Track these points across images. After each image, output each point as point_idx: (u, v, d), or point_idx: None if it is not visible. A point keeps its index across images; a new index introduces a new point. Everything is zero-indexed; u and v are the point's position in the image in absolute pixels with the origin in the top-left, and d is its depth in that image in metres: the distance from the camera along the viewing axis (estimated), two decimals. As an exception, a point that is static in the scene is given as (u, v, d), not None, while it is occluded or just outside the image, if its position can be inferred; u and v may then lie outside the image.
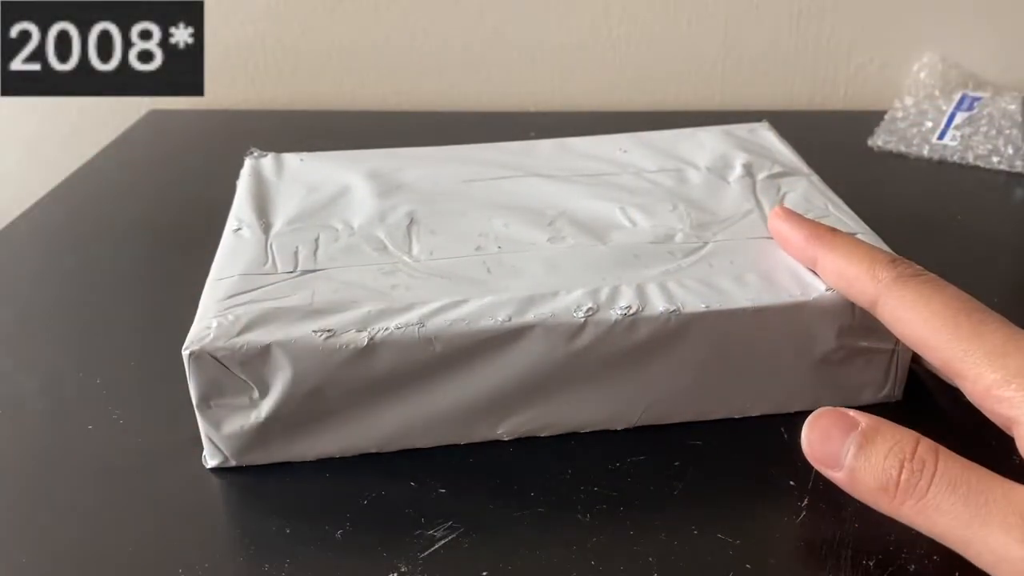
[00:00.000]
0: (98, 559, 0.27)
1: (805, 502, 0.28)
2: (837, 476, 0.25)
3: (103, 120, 0.64)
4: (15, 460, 0.31)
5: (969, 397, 0.25)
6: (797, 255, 0.31)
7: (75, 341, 0.38)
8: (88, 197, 0.52)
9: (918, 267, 0.28)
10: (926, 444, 0.24)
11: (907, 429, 0.25)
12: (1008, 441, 0.24)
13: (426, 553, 0.26)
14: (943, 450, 0.24)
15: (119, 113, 0.64)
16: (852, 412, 0.26)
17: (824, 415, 0.26)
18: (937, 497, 0.23)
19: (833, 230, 0.31)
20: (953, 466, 0.23)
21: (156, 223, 0.48)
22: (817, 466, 0.26)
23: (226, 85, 0.65)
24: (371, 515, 0.28)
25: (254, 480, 0.29)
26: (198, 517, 0.29)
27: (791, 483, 0.28)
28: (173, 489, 0.29)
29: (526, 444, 0.31)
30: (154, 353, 0.36)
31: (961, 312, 0.25)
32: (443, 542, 0.27)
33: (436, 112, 0.64)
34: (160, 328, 0.36)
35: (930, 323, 0.26)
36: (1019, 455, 0.24)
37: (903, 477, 0.23)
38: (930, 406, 0.32)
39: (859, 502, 0.27)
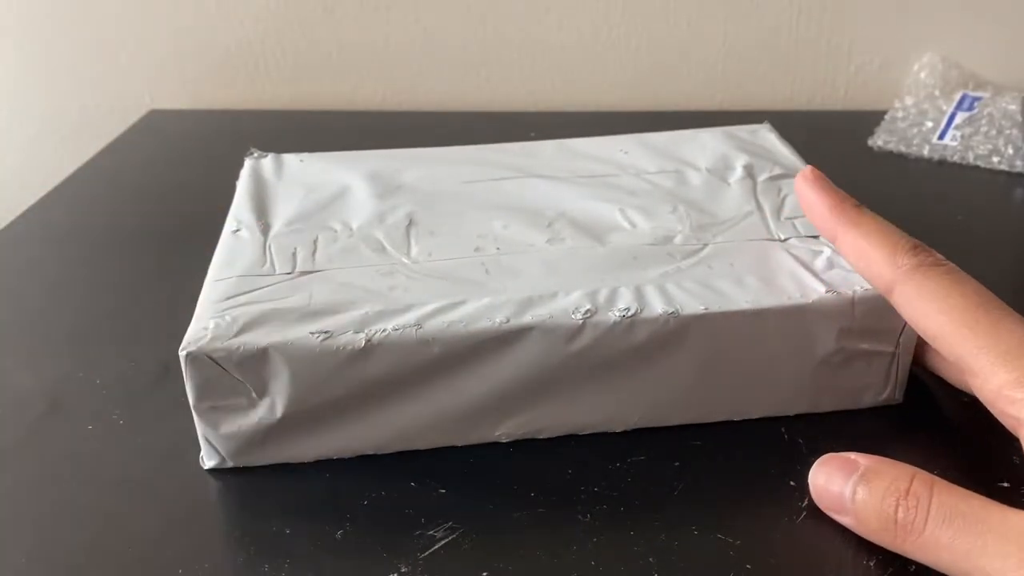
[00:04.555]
0: (98, 559, 0.27)
1: (805, 502, 0.28)
2: (846, 520, 0.26)
3: (103, 120, 0.64)
4: (15, 460, 0.31)
5: (978, 395, 0.25)
6: (818, 224, 0.30)
7: (75, 341, 0.38)
8: (88, 197, 0.52)
9: (940, 256, 0.27)
10: (921, 479, 0.24)
11: (905, 465, 0.25)
12: (1009, 443, 0.24)
13: (426, 553, 0.26)
14: (939, 483, 0.24)
15: (119, 113, 0.64)
16: (853, 455, 0.26)
17: (827, 461, 0.27)
18: (935, 532, 0.23)
19: (859, 206, 0.30)
20: (948, 499, 0.23)
21: (156, 223, 0.48)
22: (827, 512, 0.27)
23: (226, 85, 0.65)
24: (371, 515, 0.28)
25: (254, 480, 0.29)
26: (198, 517, 0.29)
27: (791, 483, 0.28)
28: (173, 489, 0.29)
29: (526, 444, 0.31)
30: (154, 353, 0.36)
31: (979, 308, 0.25)
32: (443, 542, 0.27)
33: (436, 112, 0.64)
34: (160, 328, 0.36)
35: (946, 316, 0.25)
36: (1020, 457, 0.24)
37: (900, 515, 0.24)
38: (931, 409, 0.32)
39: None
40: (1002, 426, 0.24)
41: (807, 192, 0.31)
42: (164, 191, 0.52)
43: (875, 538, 0.25)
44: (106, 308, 0.40)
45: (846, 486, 0.26)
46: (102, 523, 0.28)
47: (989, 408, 0.25)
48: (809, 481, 0.27)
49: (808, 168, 0.32)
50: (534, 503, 0.28)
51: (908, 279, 0.26)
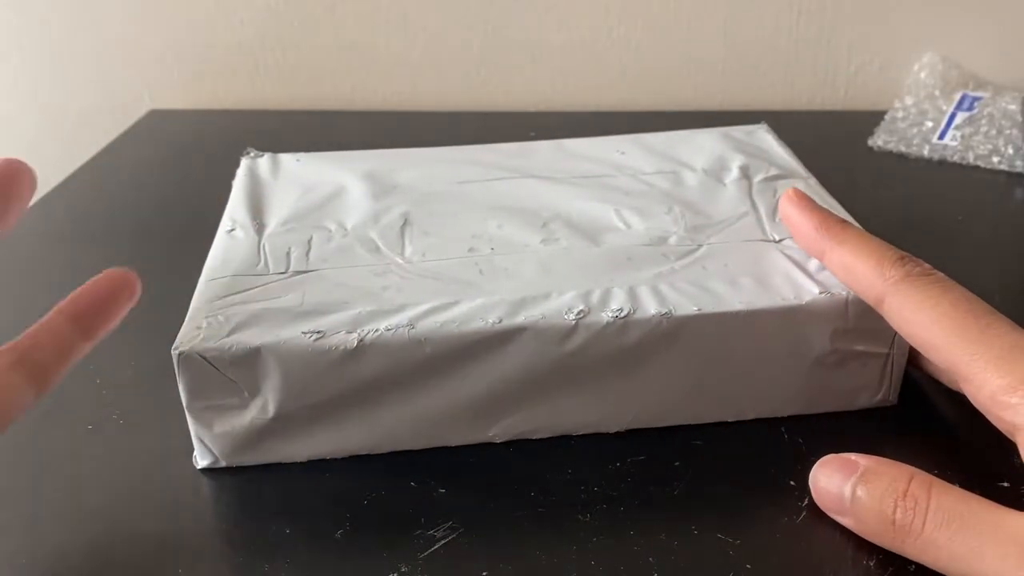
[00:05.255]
0: (99, 559, 0.27)
1: (805, 502, 0.28)
2: (846, 521, 0.26)
3: (103, 120, 0.64)
4: (15, 460, 0.31)
5: (973, 401, 0.25)
6: (804, 244, 0.31)
7: (74, 341, 0.38)
8: (88, 197, 0.52)
9: (927, 266, 0.27)
10: (919, 480, 0.24)
11: (904, 466, 0.25)
12: (1006, 444, 0.24)
13: (426, 553, 0.26)
14: (937, 484, 0.24)
15: (119, 113, 0.64)
16: (854, 456, 0.26)
17: (827, 462, 0.27)
18: (933, 533, 0.23)
19: (843, 222, 0.30)
20: (946, 501, 0.23)
21: (157, 223, 0.48)
22: (827, 512, 0.27)
23: (225, 85, 0.65)
24: (371, 515, 0.28)
25: (254, 480, 0.29)
26: (198, 517, 0.29)
27: (791, 483, 0.28)
28: (173, 489, 0.29)
29: (526, 444, 0.31)
30: (154, 353, 0.35)
31: (969, 314, 0.25)
32: (443, 542, 0.27)
33: (436, 112, 0.64)
34: (161, 328, 0.36)
35: (937, 324, 0.25)
36: (1020, 458, 0.24)
37: (898, 516, 0.24)
38: (926, 410, 0.32)
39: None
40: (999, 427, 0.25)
41: (792, 213, 0.31)
42: (164, 191, 0.52)
43: (874, 539, 0.25)
44: (105, 308, 0.40)
45: (845, 486, 0.26)
46: (102, 523, 0.28)
47: (984, 414, 0.25)
48: (810, 482, 0.27)
49: (791, 189, 0.32)
50: (534, 503, 0.28)
51: (896, 290, 0.27)
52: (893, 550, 0.25)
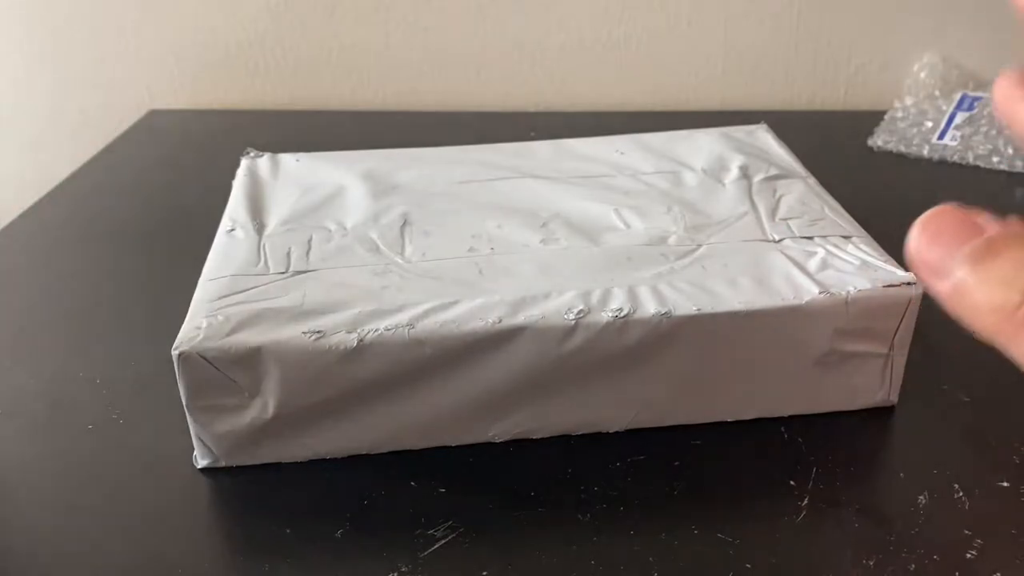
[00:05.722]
0: (99, 558, 0.27)
1: (805, 502, 0.28)
2: (941, 288, 0.19)
3: (103, 120, 0.64)
4: (15, 460, 0.31)
5: None
6: None
7: (75, 341, 0.38)
8: (88, 197, 0.52)
9: None
10: None
11: None
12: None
13: (426, 553, 0.26)
14: None
15: (119, 113, 0.64)
16: (981, 218, 0.18)
17: (944, 214, 0.17)
18: None
19: None
20: None
21: (156, 223, 0.48)
22: (920, 272, 0.19)
23: (226, 85, 0.65)
24: (371, 515, 0.28)
25: (254, 480, 0.29)
26: (198, 517, 0.29)
27: (791, 483, 0.28)
28: (173, 489, 0.29)
29: (526, 444, 0.31)
30: (154, 353, 0.36)
31: None
32: (443, 542, 0.27)
33: (436, 112, 0.64)
34: (161, 328, 0.36)
35: None
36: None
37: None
38: (926, 410, 0.32)
39: (858, 502, 0.27)
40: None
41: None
42: (165, 191, 0.52)
43: (971, 319, 0.15)
44: (106, 307, 0.40)
45: (961, 248, 0.17)
46: (102, 522, 0.28)
47: None
48: (911, 231, 0.18)
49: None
50: (534, 503, 0.28)
51: None
52: (990, 338, 0.18)
